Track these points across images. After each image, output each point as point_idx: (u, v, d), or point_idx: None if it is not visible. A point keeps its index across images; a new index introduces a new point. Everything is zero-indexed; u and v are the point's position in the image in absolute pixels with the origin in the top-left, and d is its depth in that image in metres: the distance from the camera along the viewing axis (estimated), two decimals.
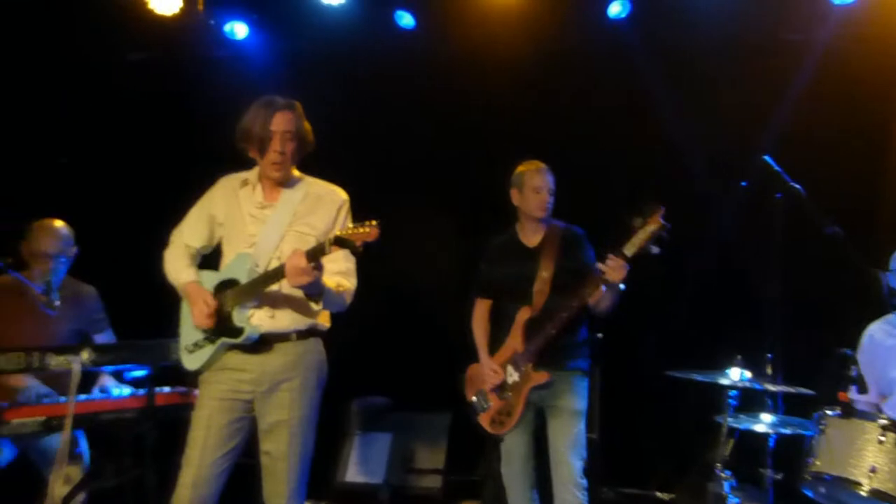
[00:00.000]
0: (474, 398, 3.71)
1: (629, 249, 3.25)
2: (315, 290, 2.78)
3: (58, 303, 3.54)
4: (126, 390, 3.67)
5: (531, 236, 3.66)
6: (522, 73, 4.99)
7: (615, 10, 4.78)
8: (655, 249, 3.23)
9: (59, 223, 3.81)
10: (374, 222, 2.56)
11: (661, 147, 4.73)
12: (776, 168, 3.68)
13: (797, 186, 3.63)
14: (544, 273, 3.53)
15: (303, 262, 2.65)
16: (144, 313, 3.87)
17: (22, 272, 3.64)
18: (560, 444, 3.45)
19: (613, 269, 3.24)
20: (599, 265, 3.30)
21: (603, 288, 3.32)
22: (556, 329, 3.42)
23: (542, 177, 3.58)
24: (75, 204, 4.76)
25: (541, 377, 3.47)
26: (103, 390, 3.66)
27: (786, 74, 4.52)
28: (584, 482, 3.42)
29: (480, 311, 3.78)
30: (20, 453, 3.68)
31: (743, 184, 3.84)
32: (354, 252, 2.56)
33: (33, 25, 4.89)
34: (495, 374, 3.58)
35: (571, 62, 4.96)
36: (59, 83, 5.18)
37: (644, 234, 3.23)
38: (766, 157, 3.71)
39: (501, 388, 3.59)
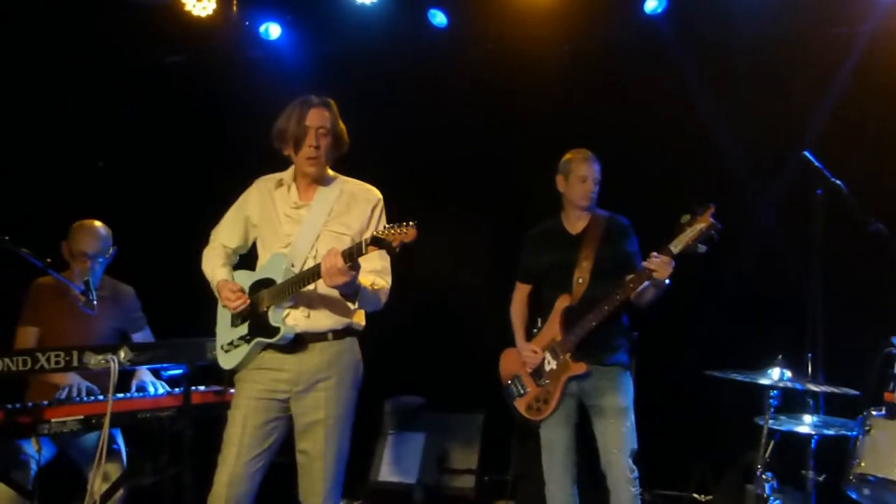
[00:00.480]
0: (510, 382, 3.71)
1: (676, 246, 3.24)
2: (351, 290, 2.78)
3: (96, 302, 3.59)
4: (162, 387, 3.72)
5: (575, 223, 3.66)
6: (557, 71, 4.94)
7: (651, 5, 4.70)
8: (703, 248, 3.21)
9: (97, 224, 3.87)
10: (411, 223, 2.55)
11: (698, 144, 4.63)
12: (817, 164, 3.60)
13: (838, 182, 3.54)
14: (585, 262, 3.53)
15: (339, 261, 2.64)
16: (181, 312, 3.91)
17: (62, 272, 3.70)
18: (611, 445, 3.45)
19: (659, 266, 3.22)
20: (645, 262, 3.28)
21: (647, 284, 3.29)
22: (597, 321, 3.41)
23: (589, 166, 3.58)
24: (113, 205, 4.84)
25: (579, 368, 3.48)
26: (140, 387, 3.70)
27: (828, 69, 4.39)
28: (636, 474, 3.44)
29: (519, 296, 3.81)
30: (60, 451, 3.74)
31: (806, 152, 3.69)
32: (391, 253, 2.56)
33: (71, 29, 4.95)
34: (535, 354, 3.58)
35: (606, 59, 4.91)
36: (96, 86, 5.23)
37: (693, 232, 3.21)
38: (807, 153, 3.63)
39: (538, 374, 3.60)
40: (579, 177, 3.58)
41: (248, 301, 2.92)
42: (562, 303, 3.55)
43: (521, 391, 3.65)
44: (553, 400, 3.52)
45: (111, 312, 3.92)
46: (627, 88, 4.81)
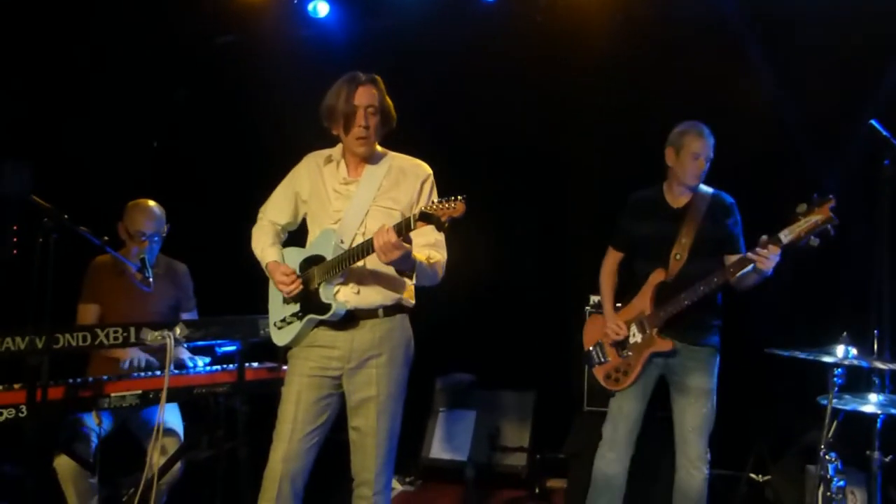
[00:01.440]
0: (591, 349, 3.69)
1: (787, 236, 3.14)
2: (407, 266, 2.76)
3: (152, 279, 3.66)
4: (200, 362, 3.78)
5: (678, 197, 3.57)
6: (609, 42, 4.81)
7: None
8: (816, 241, 3.10)
9: (152, 203, 3.94)
10: (460, 197, 2.52)
11: (759, 114, 4.48)
12: (885, 133, 3.44)
13: None
14: (685, 238, 3.46)
15: (392, 236, 2.63)
16: (235, 289, 3.96)
17: (119, 251, 3.77)
18: (687, 423, 3.44)
19: (765, 257, 3.14)
20: (750, 252, 3.20)
21: (750, 268, 3.21)
22: (690, 300, 3.35)
23: (704, 142, 3.47)
24: (167, 185, 4.93)
25: (665, 344, 3.45)
26: (178, 363, 3.75)
27: None
28: (709, 456, 3.44)
29: (611, 263, 3.75)
30: (120, 424, 3.84)
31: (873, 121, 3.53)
32: (440, 228, 2.52)
33: (125, 11, 5.01)
34: (619, 329, 3.54)
35: (662, 28, 4.75)
36: (150, 67, 5.30)
37: (807, 223, 3.10)
38: (874, 122, 3.47)
39: (622, 345, 3.57)
40: (692, 153, 3.45)
41: (301, 286, 2.92)
42: (656, 277, 3.49)
43: (602, 359, 3.63)
44: (633, 372, 3.50)
45: (167, 289, 4.00)
46: (684, 59, 4.65)
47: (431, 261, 2.88)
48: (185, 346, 3.80)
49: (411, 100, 4.77)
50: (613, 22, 4.82)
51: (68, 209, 3.34)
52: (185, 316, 4.06)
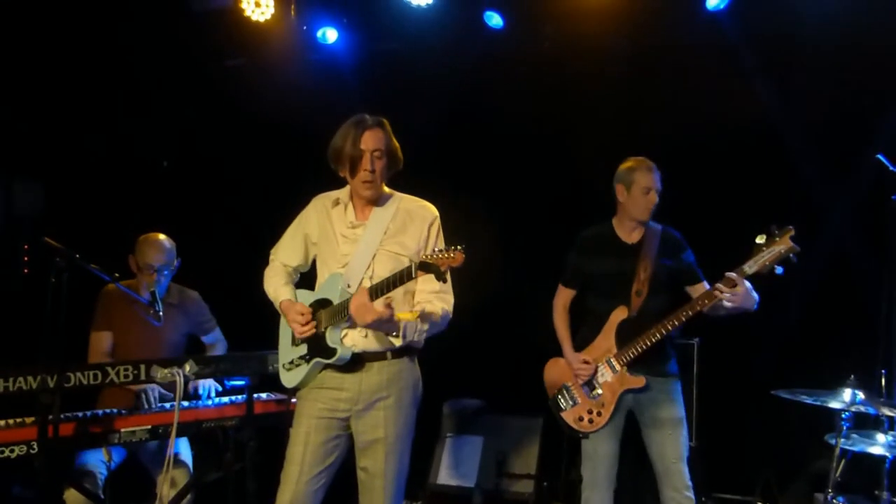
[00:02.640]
0: (556, 393, 3.68)
1: (751, 267, 3.17)
2: (387, 328, 2.80)
3: (162, 313, 3.69)
4: (212, 389, 3.81)
5: (630, 233, 3.60)
6: (615, 69, 4.83)
7: (713, 1, 4.55)
8: (779, 270, 3.12)
9: (162, 237, 3.97)
10: (459, 247, 2.54)
11: (764, 146, 4.48)
12: (892, 168, 3.44)
13: None
14: (643, 273, 3.47)
15: (364, 298, 2.68)
16: (246, 324, 3.98)
17: (130, 281, 3.82)
18: (670, 454, 3.44)
19: (732, 293, 3.16)
20: (716, 285, 3.21)
21: (725, 303, 3.22)
22: (661, 335, 3.37)
23: (652, 177, 3.51)
24: (176, 211, 4.96)
25: (638, 381, 3.45)
26: (195, 392, 3.80)
27: None
28: (691, 482, 3.45)
29: (563, 302, 3.76)
30: (130, 456, 3.86)
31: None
32: (440, 278, 2.54)
33: (136, 34, 5.05)
34: (586, 366, 3.54)
35: (667, 56, 4.77)
36: (161, 90, 5.34)
37: (770, 253, 3.13)
38: (880, 156, 3.47)
39: (590, 386, 3.55)
40: (642, 188, 3.49)
41: (314, 328, 2.94)
42: (618, 315, 3.50)
43: (571, 403, 3.61)
44: (607, 412, 3.50)
45: (179, 319, 4.03)
46: (689, 87, 4.66)
47: (428, 311, 2.89)
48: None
49: (419, 125, 4.84)
50: (619, 48, 4.84)
51: (79, 239, 3.38)
52: (207, 339, 4.10)
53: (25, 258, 3.17)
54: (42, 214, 4.99)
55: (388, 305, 2.70)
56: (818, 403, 2.93)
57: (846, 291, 4.17)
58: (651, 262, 3.48)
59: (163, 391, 3.72)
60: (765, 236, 3.14)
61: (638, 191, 3.50)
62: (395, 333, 2.83)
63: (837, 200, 4.31)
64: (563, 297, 3.76)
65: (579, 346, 3.64)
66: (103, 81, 5.08)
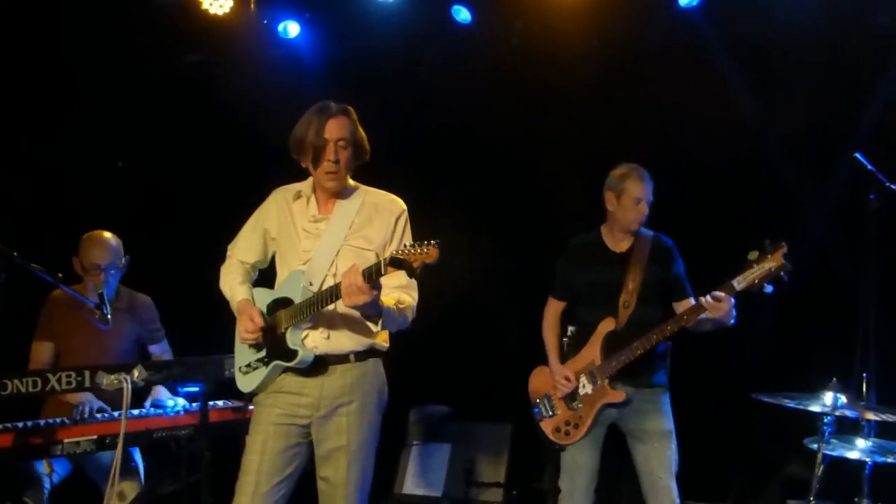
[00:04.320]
0: (538, 402, 3.58)
1: (739, 283, 3.08)
2: (373, 311, 2.62)
3: (111, 315, 3.49)
4: (181, 402, 3.63)
5: (619, 242, 3.49)
6: (585, 67, 4.73)
7: None
8: (769, 288, 3.03)
9: (107, 234, 3.78)
10: (433, 242, 2.38)
11: (737, 147, 4.41)
12: (869, 167, 3.38)
13: (894, 187, 3.32)
14: (631, 283, 3.37)
15: (359, 279, 2.48)
16: (200, 325, 3.79)
17: (76, 286, 3.61)
18: (657, 468, 3.34)
19: (716, 307, 3.07)
20: (702, 298, 3.13)
21: (704, 316, 3.14)
22: (644, 349, 3.26)
23: (644, 186, 3.39)
24: (132, 210, 4.76)
25: (618, 395, 3.35)
26: (156, 403, 3.61)
27: (879, 62, 4.14)
28: (679, 500, 3.35)
29: (552, 313, 3.65)
30: (75, 469, 3.65)
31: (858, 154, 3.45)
32: (412, 274, 2.38)
33: (90, 29, 4.84)
34: (567, 382, 3.43)
35: (638, 55, 4.68)
36: (116, 86, 5.13)
37: (760, 270, 3.04)
38: (858, 155, 3.41)
39: (572, 397, 3.46)
40: (633, 198, 3.38)
41: (261, 336, 2.77)
42: (605, 326, 3.40)
43: (550, 412, 3.51)
44: (584, 425, 3.40)
45: (128, 325, 3.84)
46: (660, 86, 4.58)
47: (401, 306, 2.73)
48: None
49: (384, 121, 4.69)
50: (588, 46, 4.75)
51: (28, 238, 3.17)
52: (153, 348, 3.91)
53: None
54: None
55: (378, 287, 2.53)
56: (800, 407, 2.83)
57: (826, 292, 4.10)
58: (640, 272, 3.38)
59: (102, 405, 3.51)
60: (756, 252, 3.05)
61: (628, 201, 3.38)
62: (375, 318, 2.65)
63: (816, 200, 4.26)
64: (553, 307, 3.65)
65: (570, 356, 3.53)
66: (56, 78, 4.86)
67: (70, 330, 3.71)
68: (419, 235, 2.51)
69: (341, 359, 2.75)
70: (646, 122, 4.55)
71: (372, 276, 2.48)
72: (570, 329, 3.63)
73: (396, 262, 2.38)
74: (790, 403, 2.89)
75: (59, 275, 3.22)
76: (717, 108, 4.38)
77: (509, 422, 4.78)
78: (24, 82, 4.72)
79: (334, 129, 2.73)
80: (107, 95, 5.07)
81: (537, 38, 4.81)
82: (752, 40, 4.40)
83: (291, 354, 2.69)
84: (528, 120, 4.91)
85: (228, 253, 3.05)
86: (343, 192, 2.85)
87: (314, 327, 2.73)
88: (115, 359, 3.65)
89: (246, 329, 2.77)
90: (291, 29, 5.10)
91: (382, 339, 2.85)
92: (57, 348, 3.72)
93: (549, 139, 4.89)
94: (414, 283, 2.83)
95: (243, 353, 2.89)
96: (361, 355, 2.78)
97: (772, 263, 3.01)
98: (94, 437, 3.26)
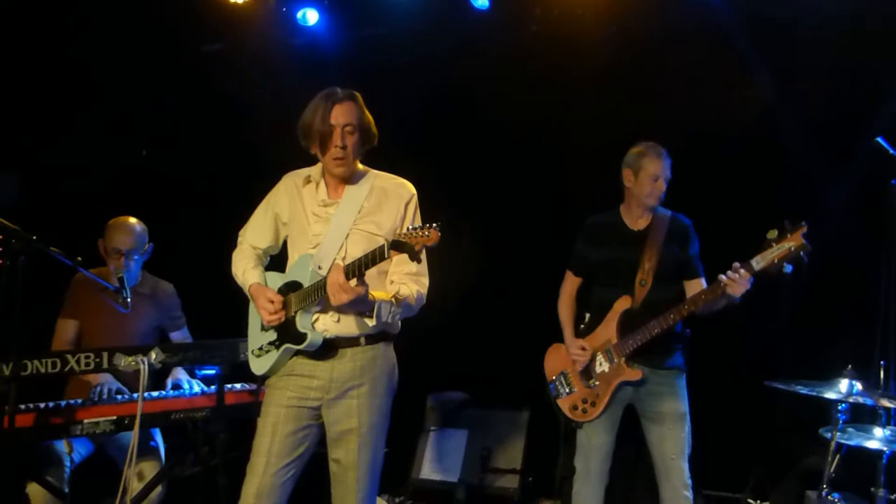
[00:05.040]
0: (555, 379, 3.58)
1: (759, 263, 3.05)
2: (363, 307, 2.65)
3: (130, 299, 3.55)
4: (198, 385, 3.66)
5: (637, 220, 3.48)
6: (604, 53, 4.68)
7: None
8: (789, 268, 3.00)
9: (132, 220, 3.82)
10: (434, 225, 2.40)
11: (758, 131, 4.35)
12: (892, 151, 3.31)
13: None
14: (648, 263, 3.36)
15: (341, 277, 2.52)
16: (219, 310, 3.83)
17: (100, 270, 3.67)
18: (669, 450, 3.35)
19: (736, 283, 3.05)
20: (722, 276, 3.10)
21: (721, 295, 3.12)
22: (660, 329, 3.26)
23: (662, 163, 3.39)
24: (154, 198, 4.81)
25: (635, 374, 3.35)
26: (175, 385, 3.65)
27: None
28: (691, 482, 3.35)
29: (569, 289, 3.65)
30: (97, 449, 3.71)
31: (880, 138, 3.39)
32: (413, 257, 2.39)
33: (111, 18, 4.89)
34: (583, 352, 3.43)
35: (657, 40, 4.62)
36: (137, 76, 5.18)
37: (780, 250, 3.00)
38: (880, 139, 3.34)
39: (587, 374, 3.46)
40: (651, 174, 3.37)
41: (283, 317, 2.79)
42: (622, 304, 3.39)
43: (567, 390, 3.52)
44: (601, 403, 3.40)
45: (150, 310, 3.88)
46: (678, 71, 4.52)
47: (401, 296, 2.74)
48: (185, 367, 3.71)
49: (402, 108, 4.70)
50: (608, 32, 4.70)
51: (56, 223, 3.22)
52: (174, 335, 3.95)
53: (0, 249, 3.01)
54: (17, 205, 4.84)
55: (364, 284, 2.56)
56: (814, 394, 2.79)
57: (844, 278, 4.03)
58: (657, 250, 3.37)
59: (120, 387, 3.56)
60: (776, 231, 3.01)
61: (646, 177, 3.38)
62: (368, 314, 2.67)
63: (836, 185, 4.18)
64: (569, 284, 3.66)
65: (586, 333, 3.53)
66: (79, 69, 4.91)
67: (93, 311, 3.76)
68: (437, 221, 2.50)
69: (352, 342, 2.77)
70: (664, 108, 4.49)
71: (357, 272, 2.50)
72: (587, 315, 3.63)
73: (398, 245, 2.39)
74: (804, 390, 2.85)
75: (79, 258, 3.26)
76: (737, 91, 4.33)
77: (526, 409, 4.79)
78: (48, 72, 4.78)
79: (340, 114, 2.74)
80: (127, 85, 5.11)
81: (556, 24, 4.78)
82: (771, 24, 4.33)
83: (301, 337, 2.71)
84: (546, 106, 4.87)
85: (239, 239, 3.07)
86: (352, 177, 2.86)
87: (324, 311, 2.75)
88: (134, 342, 3.70)
89: (267, 311, 2.79)
90: (310, 16, 5.11)
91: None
92: (80, 327, 3.77)
93: (566, 125, 4.85)
94: (424, 269, 2.84)
95: (256, 337, 2.92)
96: (372, 339, 2.79)
97: (791, 243, 2.97)
98: (114, 417, 3.29)
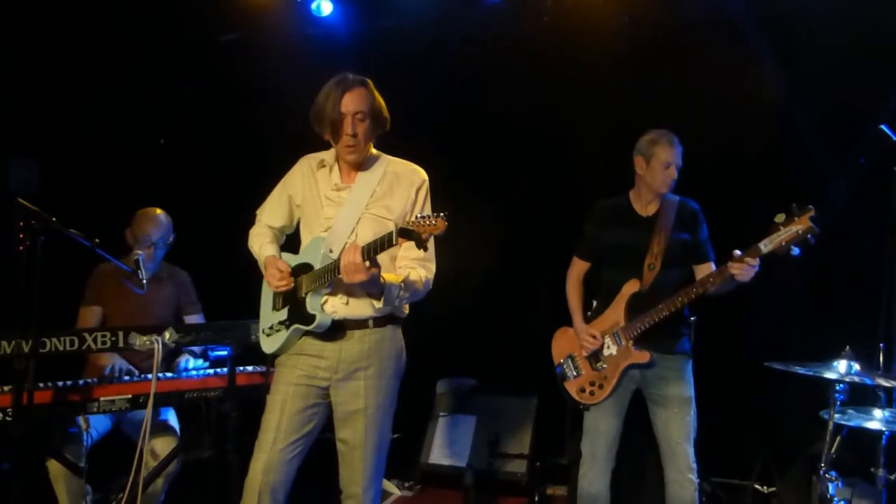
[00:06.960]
0: (562, 362, 3.62)
1: (766, 246, 3.07)
2: (374, 289, 2.70)
3: (145, 280, 3.65)
4: (200, 363, 3.76)
5: (646, 206, 3.52)
6: (616, 44, 4.71)
7: None
8: (796, 251, 3.02)
9: (159, 211, 3.97)
10: (441, 214, 2.45)
11: (765, 119, 4.37)
12: (895, 138, 3.33)
13: None
14: (657, 247, 3.40)
15: (357, 257, 2.57)
16: (229, 292, 3.91)
17: (122, 257, 3.77)
18: (674, 434, 3.38)
19: (743, 268, 3.09)
20: (730, 262, 3.14)
21: (734, 274, 3.15)
22: (670, 312, 3.29)
23: (674, 151, 3.42)
24: (166, 184, 4.90)
25: (642, 356, 3.39)
26: (183, 368, 3.74)
27: None
28: (696, 465, 3.38)
29: (576, 273, 3.69)
30: (114, 427, 3.81)
31: (861, 160, 3.47)
32: (420, 245, 2.45)
33: (130, 9, 4.97)
34: (594, 339, 3.48)
35: (669, 31, 4.65)
36: (154, 66, 5.26)
37: (787, 233, 3.02)
38: (884, 127, 3.36)
39: (595, 357, 3.50)
40: (663, 162, 3.40)
41: (292, 283, 2.85)
42: (630, 287, 3.43)
43: (575, 373, 3.56)
44: (609, 386, 3.44)
45: (168, 293, 4.00)
46: (690, 62, 4.54)
47: (411, 279, 2.79)
48: (196, 349, 3.81)
49: (416, 99, 4.74)
50: (620, 23, 4.72)
51: (76, 209, 3.30)
52: (190, 319, 4.05)
53: (21, 235, 3.10)
54: (38, 191, 4.94)
55: (377, 265, 2.62)
56: (812, 374, 2.83)
57: (846, 263, 4.05)
58: (666, 235, 3.41)
59: (130, 368, 3.67)
60: (783, 215, 3.04)
61: (657, 164, 3.41)
62: (378, 295, 2.73)
63: (839, 171, 4.20)
64: (577, 268, 3.69)
65: (593, 317, 3.58)
66: (97, 58, 5.00)
67: (115, 296, 3.89)
68: (449, 209, 2.54)
69: (360, 324, 2.82)
70: (675, 98, 4.51)
71: (371, 254, 2.56)
72: (594, 302, 3.67)
73: (405, 233, 2.45)
74: (802, 371, 2.89)
75: (97, 240, 3.35)
76: (746, 81, 4.35)
77: (534, 396, 4.83)
78: (68, 61, 4.87)
79: (351, 102, 2.78)
80: (145, 73, 5.20)
81: (568, 15, 4.80)
82: (782, 15, 4.35)
83: (310, 318, 2.78)
84: (558, 96, 4.90)
85: (257, 217, 3.14)
86: (365, 162, 2.91)
87: (333, 293, 2.81)
88: (152, 323, 3.79)
89: (274, 277, 2.85)
90: (325, 7, 5.15)
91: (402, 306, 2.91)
92: (104, 312, 3.89)
93: (578, 115, 4.88)
94: (431, 255, 2.89)
95: (267, 316, 2.99)
96: (380, 321, 2.84)
97: (799, 226, 3.00)
98: (129, 395, 3.39)
